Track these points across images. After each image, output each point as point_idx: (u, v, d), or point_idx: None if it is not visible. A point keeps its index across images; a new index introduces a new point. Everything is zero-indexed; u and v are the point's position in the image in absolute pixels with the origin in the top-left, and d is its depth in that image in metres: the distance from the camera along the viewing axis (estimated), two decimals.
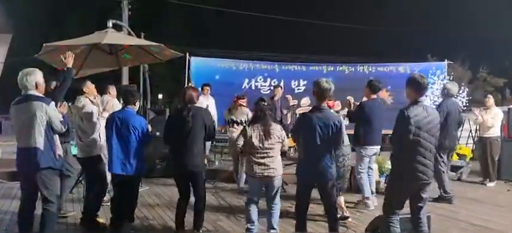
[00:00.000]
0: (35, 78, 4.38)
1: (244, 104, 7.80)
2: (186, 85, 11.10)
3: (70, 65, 5.30)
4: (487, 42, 24.68)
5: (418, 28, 30.09)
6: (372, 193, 6.50)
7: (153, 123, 9.63)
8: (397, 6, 30.16)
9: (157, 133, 8.97)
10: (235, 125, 7.73)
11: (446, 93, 6.89)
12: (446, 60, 12.71)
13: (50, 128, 4.31)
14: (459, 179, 8.76)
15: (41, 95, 4.39)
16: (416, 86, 4.15)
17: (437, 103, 11.93)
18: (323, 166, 4.49)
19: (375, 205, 6.24)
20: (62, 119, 4.42)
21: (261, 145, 4.79)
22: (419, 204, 4.16)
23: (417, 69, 12.34)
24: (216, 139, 10.95)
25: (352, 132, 6.40)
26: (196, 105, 5.04)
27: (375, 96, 6.41)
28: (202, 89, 10.10)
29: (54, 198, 4.37)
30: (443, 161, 6.80)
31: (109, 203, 6.38)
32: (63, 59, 5.37)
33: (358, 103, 6.54)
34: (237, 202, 6.76)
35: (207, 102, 9.84)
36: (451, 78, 12.57)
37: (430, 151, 4.09)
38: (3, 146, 11.02)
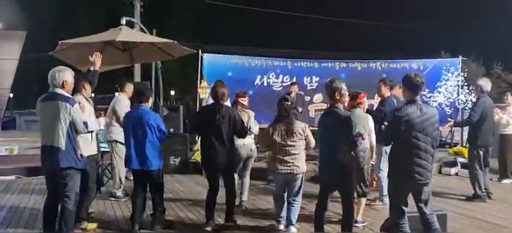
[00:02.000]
0: (63, 77, 4.41)
1: (244, 103, 6.21)
2: (199, 82, 11.16)
3: (98, 67, 5.50)
4: (502, 38, 24.37)
5: (432, 24, 29.83)
6: None
7: (166, 120, 9.73)
8: (410, 3, 29.93)
9: (171, 129, 9.06)
10: None
11: (480, 90, 6.81)
12: (460, 56, 12.59)
13: (72, 128, 4.34)
14: None
15: (67, 94, 4.42)
16: (410, 85, 4.15)
17: (451, 100, 11.89)
18: (340, 166, 4.42)
19: None
20: (85, 120, 4.45)
21: (283, 142, 4.86)
22: (420, 204, 4.14)
23: (430, 66, 12.28)
24: None
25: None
26: (225, 103, 5.28)
27: (390, 93, 6.38)
28: None
29: (72, 195, 4.42)
30: (480, 159, 6.77)
31: (124, 200, 6.53)
32: (90, 59, 5.53)
33: (380, 102, 6.49)
34: (252, 199, 6.77)
35: None
36: (465, 75, 12.45)
37: (426, 151, 4.04)
38: (19, 142, 11.18)
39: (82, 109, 4.78)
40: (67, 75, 4.45)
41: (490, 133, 6.94)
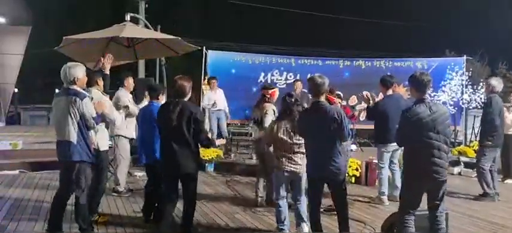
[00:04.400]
0: (74, 73, 4.47)
1: (268, 95, 6.13)
2: (203, 79, 11.17)
3: (107, 70, 5.55)
4: (507, 37, 24.24)
5: (436, 23, 29.71)
6: (397, 188, 6.39)
7: None
8: (414, 1, 29.81)
9: None
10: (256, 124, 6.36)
11: (491, 90, 6.74)
12: (464, 55, 12.53)
13: (83, 122, 4.39)
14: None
15: (78, 89, 4.48)
16: (417, 84, 4.13)
17: (455, 99, 11.85)
18: (329, 162, 4.38)
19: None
20: (94, 115, 4.48)
21: (289, 140, 4.76)
22: (435, 202, 4.14)
23: (435, 65, 12.23)
24: (233, 132, 11.06)
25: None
26: (186, 100, 4.53)
27: (390, 92, 6.37)
28: (208, 82, 10.16)
29: (84, 187, 4.51)
30: (490, 158, 6.74)
31: (126, 195, 6.58)
32: (101, 63, 5.62)
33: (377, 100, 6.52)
34: (253, 195, 6.78)
35: (214, 96, 9.88)
36: (470, 74, 12.39)
37: (439, 149, 4.03)
38: (23, 136, 11.23)
39: (101, 103, 4.88)
40: (78, 72, 4.51)
41: (502, 133, 6.89)
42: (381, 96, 8.76)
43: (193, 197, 4.62)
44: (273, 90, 6.14)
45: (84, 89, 5.16)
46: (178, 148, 4.38)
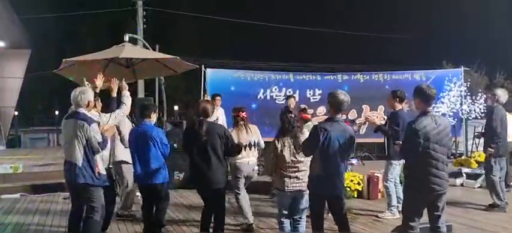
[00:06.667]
0: (87, 98, 4.64)
1: (245, 116, 6.02)
2: (202, 97, 11.18)
3: (98, 89, 5.49)
4: (504, 47, 24.38)
5: (433, 35, 29.91)
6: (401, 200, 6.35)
7: (170, 135, 9.75)
8: (410, 14, 30.06)
9: (175, 145, 9.08)
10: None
11: (496, 100, 6.72)
12: (462, 66, 12.58)
13: (90, 146, 4.50)
14: (480, 187, 8.55)
15: (87, 114, 4.61)
16: (424, 97, 4.16)
17: (454, 110, 11.87)
18: (339, 180, 4.40)
19: None
20: (100, 140, 4.54)
21: (293, 158, 4.69)
22: (436, 214, 4.15)
23: (433, 77, 12.26)
24: None
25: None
26: (209, 120, 4.96)
27: (401, 106, 6.31)
28: (212, 99, 10.14)
29: (98, 207, 4.58)
30: (498, 168, 6.70)
31: (127, 216, 6.54)
32: (92, 82, 5.59)
33: (390, 115, 6.42)
34: (253, 211, 6.74)
35: (216, 114, 9.86)
36: (468, 85, 12.43)
37: (442, 162, 4.07)
38: (23, 160, 11.21)
39: (109, 130, 4.97)
40: (90, 96, 4.70)
41: (507, 142, 6.85)
42: (380, 109, 8.83)
43: (223, 211, 5.02)
44: (245, 112, 6.04)
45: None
46: (207, 164, 4.78)
